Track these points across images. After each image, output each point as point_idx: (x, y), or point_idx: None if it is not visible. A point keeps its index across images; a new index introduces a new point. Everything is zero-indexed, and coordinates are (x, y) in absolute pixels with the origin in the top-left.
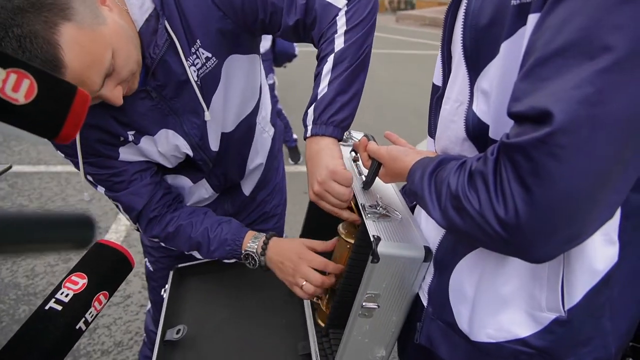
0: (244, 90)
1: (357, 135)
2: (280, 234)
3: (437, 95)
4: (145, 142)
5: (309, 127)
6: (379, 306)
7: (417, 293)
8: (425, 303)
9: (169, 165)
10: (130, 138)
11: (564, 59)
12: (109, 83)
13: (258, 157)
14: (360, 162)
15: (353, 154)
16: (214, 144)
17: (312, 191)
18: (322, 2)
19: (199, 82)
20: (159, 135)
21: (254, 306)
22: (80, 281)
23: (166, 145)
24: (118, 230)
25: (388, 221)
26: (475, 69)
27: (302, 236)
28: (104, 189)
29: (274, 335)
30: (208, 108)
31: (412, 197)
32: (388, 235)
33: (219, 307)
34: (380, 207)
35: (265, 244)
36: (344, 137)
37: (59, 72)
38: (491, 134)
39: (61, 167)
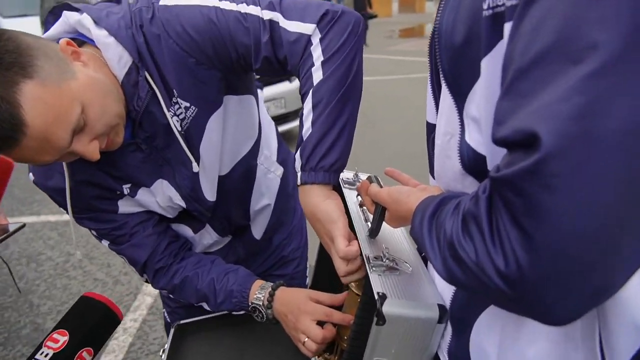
0: (235, 131)
1: (363, 176)
2: (302, 279)
3: (433, 134)
4: (142, 195)
5: (299, 174)
6: None
7: (437, 353)
8: None
9: (169, 216)
10: (126, 192)
11: (544, 67)
12: (82, 138)
13: (264, 198)
14: (366, 207)
15: (359, 198)
16: (210, 194)
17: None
18: (287, 35)
19: (183, 132)
20: (155, 187)
21: None
22: (62, 339)
23: (162, 195)
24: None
25: (396, 275)
26: (459, 94)
27: (312, 286)
28: (107, 242)
29: None
30: (197, 158)
31: (417, 243)
32: (396, 292)
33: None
34: (387, 258)
35: (272, 295)
36: (351, 179)
37: (21, 131)
38: (489, 166)
39: None
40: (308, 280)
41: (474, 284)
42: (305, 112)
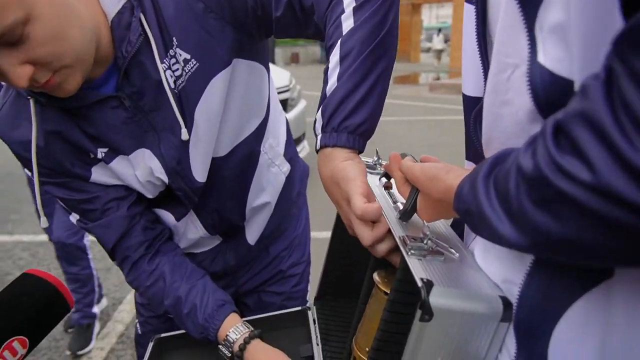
0: (241, 104)
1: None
2: (301, 300)
3: (475, 107)
4: (119, 164)
5: (319, 137)
6: None
7: None
8: None
9: (149, 195)
10: (101, 155)
11: None
12: (13, 54)
13: (264, 194)
14: (394, 190)
15: (384, 179)
16: (200, 173)
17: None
18: None
19: (176, 91)
20: (135, 156)
21: None
22: None
23: (142, 168)
24: (132, 300)
25: (441, 260)
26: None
27: (327, 260)
28: (76, 217)
29: None
30: (189, 125)
31: (466, 221)
32: (443, 280)
33: None
34: (429, 239)
35: (242, 349)
36: (372, 162)
37: None
38: None
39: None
40: (309, 295)
41: (577, 228)
42: (330, 66)
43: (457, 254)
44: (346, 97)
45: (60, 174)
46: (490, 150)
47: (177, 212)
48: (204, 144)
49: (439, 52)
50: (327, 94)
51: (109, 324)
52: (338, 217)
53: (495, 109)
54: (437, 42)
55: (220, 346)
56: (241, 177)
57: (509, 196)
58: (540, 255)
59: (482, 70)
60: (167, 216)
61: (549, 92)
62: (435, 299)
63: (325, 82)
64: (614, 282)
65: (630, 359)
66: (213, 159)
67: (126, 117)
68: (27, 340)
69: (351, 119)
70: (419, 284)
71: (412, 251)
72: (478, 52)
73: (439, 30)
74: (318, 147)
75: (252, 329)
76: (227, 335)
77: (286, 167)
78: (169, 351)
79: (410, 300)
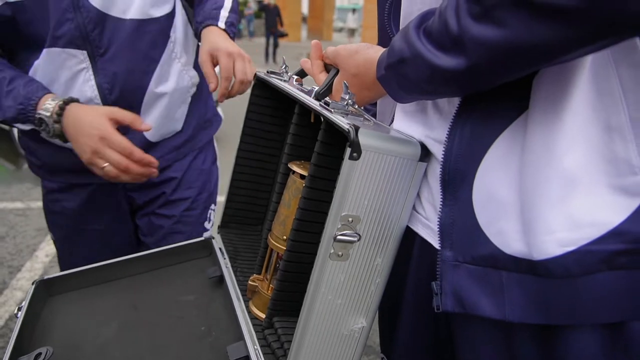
0: None
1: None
2: (196, 225)
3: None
4: None
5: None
6: (359, 237)
7: (413, 245)
8: (437, 245)
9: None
10: None
11: None
12: None
13: (166, 84)
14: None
15: (295, 77)
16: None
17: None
18: None
19: None
20: None
21: (157, 315)
22: None
23: None
24: (33, 268)
25: (360, 120)
26: None
27: (231, 188)
28: None
29: (188, 346)
30: None
31: (392, 77)
32: (367, 129)
33: (106, 322)
34: (349, 103)
35: (62, 108)
36: (279, 71)
37: None
38: None
39: None
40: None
41: (520, 30)
42: None
43: (374, 121)
44: None
45: None
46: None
47: (71, 53)
48: None
49: (352, 31)
50: None
51: (6, 292)
52: (241, 144)
53: None
54: (352, 21)
55: (38, 123)
56: (146, 53)
57: (447, 28)
58: (476, 79)
59: None
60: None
61: None
62: (363, 137)
63: None
64: (529, 110)
65: (542, 179)
66: (116, 18)
67: None
68: None
69: None
70: (346, 127)
71: (334, 109)
72: None
73: (354, 10)
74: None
75: (68, 97)
76: (44, 106)
77: (195, 76)
78: (57, 293)
79: (330, 166)
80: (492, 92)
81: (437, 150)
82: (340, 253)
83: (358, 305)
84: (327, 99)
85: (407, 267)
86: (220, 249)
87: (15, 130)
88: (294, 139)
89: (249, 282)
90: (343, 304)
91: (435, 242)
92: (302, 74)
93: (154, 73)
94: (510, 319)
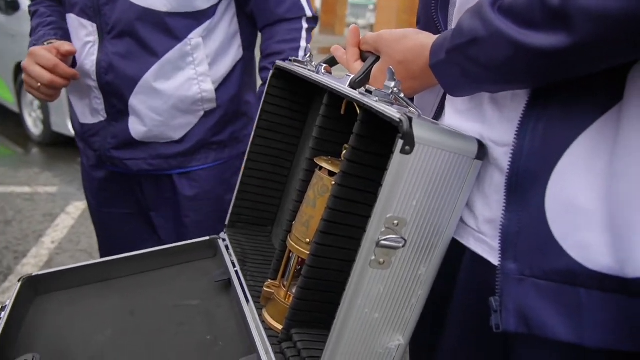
0: None
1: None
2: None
3: None
4: None
5: None
6: (405, 242)
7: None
8: (496, 257)
9: None
10: None
11: None
12: None
13: (166, 83)
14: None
15: (323, 65)
16: None
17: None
18: None
19: None
20: None
21: (156, 321)
22: None
23: None
24: (39, 254)
25: (407, 111)
26: None
27: (239, 188)
28: None
29: (192, 357)
30: None
31: (457, 60)
32: (418, 120)
33: (99, 328)
34: (394, 92)
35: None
36: (303, 59)
37: None
38: None
39: None
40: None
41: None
42: None
43: (419, 112)
44: None
45: None
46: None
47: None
48: None
49: (371, 27)
50: None
51: (11, 278)
52: (254, 139)
53: None
54: (371, 17)
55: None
56: (146, 44)
57: (542, 1)
58: (576, 61)
59: None
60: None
61: None
62: (417, 129)
63: None
64: (624, 104)
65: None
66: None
67: None
68: None
69: None
70: (398, 117)
71: (377, 98)
72: None
73: (373, 6)
74: None
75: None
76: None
77: (209, 88)
78: (46, 292)
79: (366, 162)
80: (570, 85)
81: (497, 153)
82: (381, 260)
83: (396, 320)
84: (368, 86)
85: (451, 282)
86: (228, 249)
87: (26, 114)
88: (320, 132)
89: (264, 289)
90: (380, 318)
91: (489, 255)
92: (332, 62)
93: (152, 66)
94: (588, 344)
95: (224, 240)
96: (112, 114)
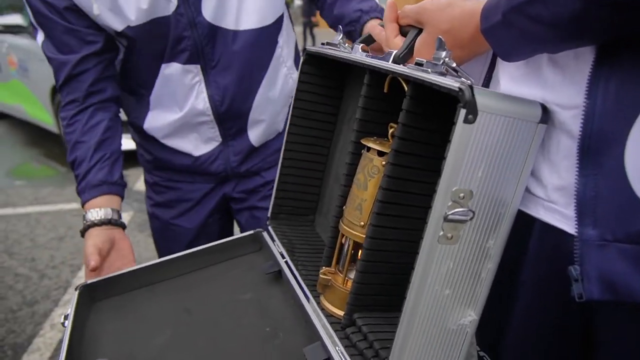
0: None
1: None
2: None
3: None
4: None
5: None
6: (473, 214)
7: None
8: (573, 226)
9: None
10: None
11: None
12: None
13: (274, 89)
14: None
15: (360, 45)
16: (209, 12)
17: None
18: None
19: None
20: None
21: (213, 318)
22: None
23: None
24: None
25: (461, 80)
26: None
27: (279, 179)
28: (43, 37)
29: (255, 350)
30: None
31: (515, 21)
32: (481, 89)
33: (158, 328)
34: (445, 62)
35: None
36: (336, 42)
37: None
38: None
39: (31, 207)
40: None
41: None
42: None
43: (473, 81)
44: None
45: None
46: None
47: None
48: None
49: None
50: None
51: (70, 290)
52: (290, 127)
53: None
54: None
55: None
56: (255, 62)
57: None
58: (618, 14)
59: None
60: (174, 67)
61: None
62: (480, 97)
63: None
64: None
65: None
66: (227, 30)
67: None
68: None
69: None
70: (457, 86)
71: (430, 70)
72: None
73: None
74: None
75: (114, 218)
76: (84, 214)
77: (296, 75)
78: (102, 298)
79: (417, 139)
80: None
81: (563, 116)
82: (450, 235)
83: (467, 296)
84: (417, 59)
85: (521, 253)
86: (274, 241)
87: None
88: (364, 113)
89: (321, 276)
90: (451, 294)
91: (563, 224)
92: (368, 40)
93: (263, 80)
94: None
95: (268, 232)
96: (228, 135)
